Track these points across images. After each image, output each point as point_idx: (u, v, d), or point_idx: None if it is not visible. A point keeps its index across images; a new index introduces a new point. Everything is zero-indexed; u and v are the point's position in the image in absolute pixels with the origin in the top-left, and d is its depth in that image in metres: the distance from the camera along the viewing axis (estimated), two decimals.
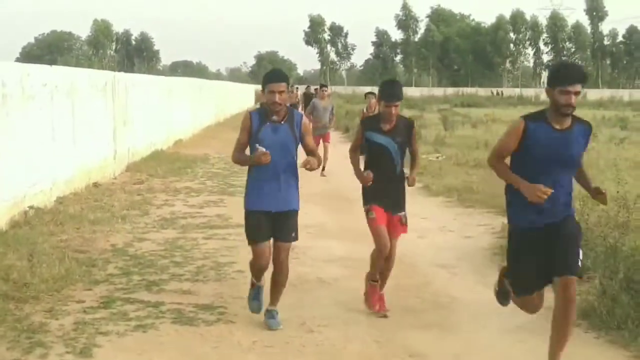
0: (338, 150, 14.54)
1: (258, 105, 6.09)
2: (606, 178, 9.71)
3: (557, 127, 4.17)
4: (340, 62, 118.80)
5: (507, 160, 4.37)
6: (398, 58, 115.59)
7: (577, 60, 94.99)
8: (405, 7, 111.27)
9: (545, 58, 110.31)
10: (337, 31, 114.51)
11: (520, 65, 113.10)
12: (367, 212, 5.49)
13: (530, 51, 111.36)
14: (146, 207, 10.07)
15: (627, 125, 26.41)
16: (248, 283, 5.51)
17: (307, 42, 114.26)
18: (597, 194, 4.33)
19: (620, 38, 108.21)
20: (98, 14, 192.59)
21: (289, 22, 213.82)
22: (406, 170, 5.61)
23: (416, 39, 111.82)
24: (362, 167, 5.62)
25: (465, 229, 9.04)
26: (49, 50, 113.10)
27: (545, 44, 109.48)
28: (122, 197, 10.66)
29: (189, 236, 8.24)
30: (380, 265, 5.57)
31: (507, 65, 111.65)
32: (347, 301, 5.92)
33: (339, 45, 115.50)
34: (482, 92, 72.43)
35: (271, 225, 5.12)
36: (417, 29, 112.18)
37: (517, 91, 73.22)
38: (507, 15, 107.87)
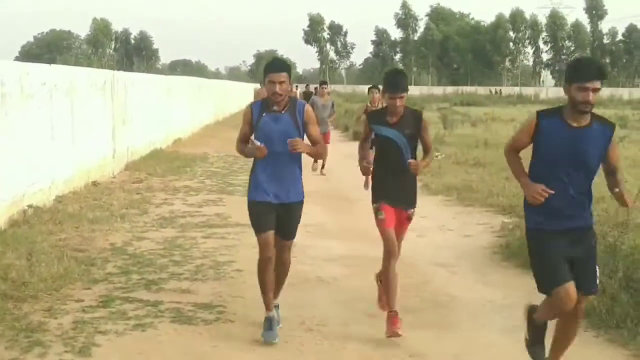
0: (337, 149, 14.52)
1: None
2: None
3: (574, 124, 3.97)
4: (340, 61, 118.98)
5: (528, 155, 4.19)
6: (397, 57, 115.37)
7: None
8: (404, 5, 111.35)
9: (545, 57, 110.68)
10: (336, 30, 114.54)
11: (519, 64, 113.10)
12: (376, 211, 5.17)
13: (529, 50, 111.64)
14: (145, 206, 10.06)
15: (626, 124, 26.39)
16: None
17: (307, 41, 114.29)
18: (618, 198, 4.16)
19: (619, 37, 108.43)
20: (97, 12, 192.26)
21: (289, 21, 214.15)
22: None
23: (415, 38, 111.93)
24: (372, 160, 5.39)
25: (464, 227, 9.03)
26: (48, 49, 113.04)
27: (545, 42, 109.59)
28: (121, 196, 10.65)
29: (188, 235, 8.22)
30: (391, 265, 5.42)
31: (507, 64, 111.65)
32: (346, 300, 5.91)
33: (339, 44, 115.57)
34: (482, 90, 72.46)
35: (274, 217, 4.99)
36: (417, 28, 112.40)
37: (516, 90, 73.16)
38: (507, 14, 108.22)
